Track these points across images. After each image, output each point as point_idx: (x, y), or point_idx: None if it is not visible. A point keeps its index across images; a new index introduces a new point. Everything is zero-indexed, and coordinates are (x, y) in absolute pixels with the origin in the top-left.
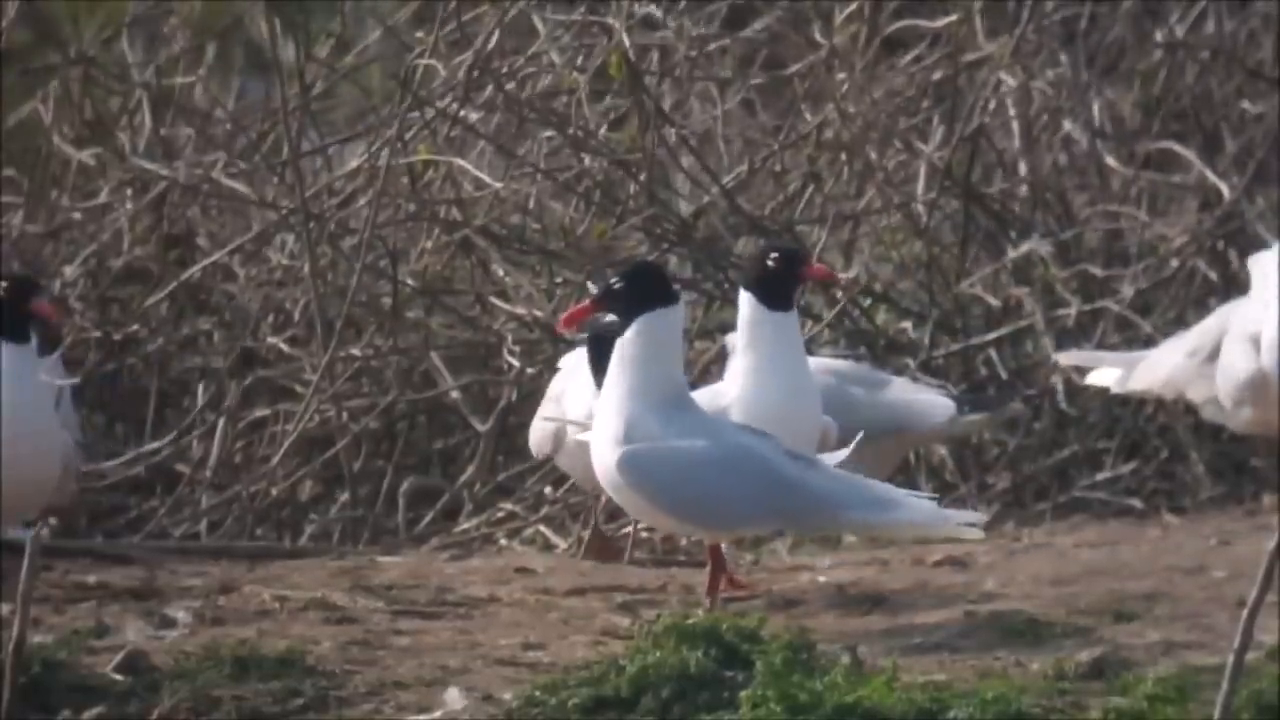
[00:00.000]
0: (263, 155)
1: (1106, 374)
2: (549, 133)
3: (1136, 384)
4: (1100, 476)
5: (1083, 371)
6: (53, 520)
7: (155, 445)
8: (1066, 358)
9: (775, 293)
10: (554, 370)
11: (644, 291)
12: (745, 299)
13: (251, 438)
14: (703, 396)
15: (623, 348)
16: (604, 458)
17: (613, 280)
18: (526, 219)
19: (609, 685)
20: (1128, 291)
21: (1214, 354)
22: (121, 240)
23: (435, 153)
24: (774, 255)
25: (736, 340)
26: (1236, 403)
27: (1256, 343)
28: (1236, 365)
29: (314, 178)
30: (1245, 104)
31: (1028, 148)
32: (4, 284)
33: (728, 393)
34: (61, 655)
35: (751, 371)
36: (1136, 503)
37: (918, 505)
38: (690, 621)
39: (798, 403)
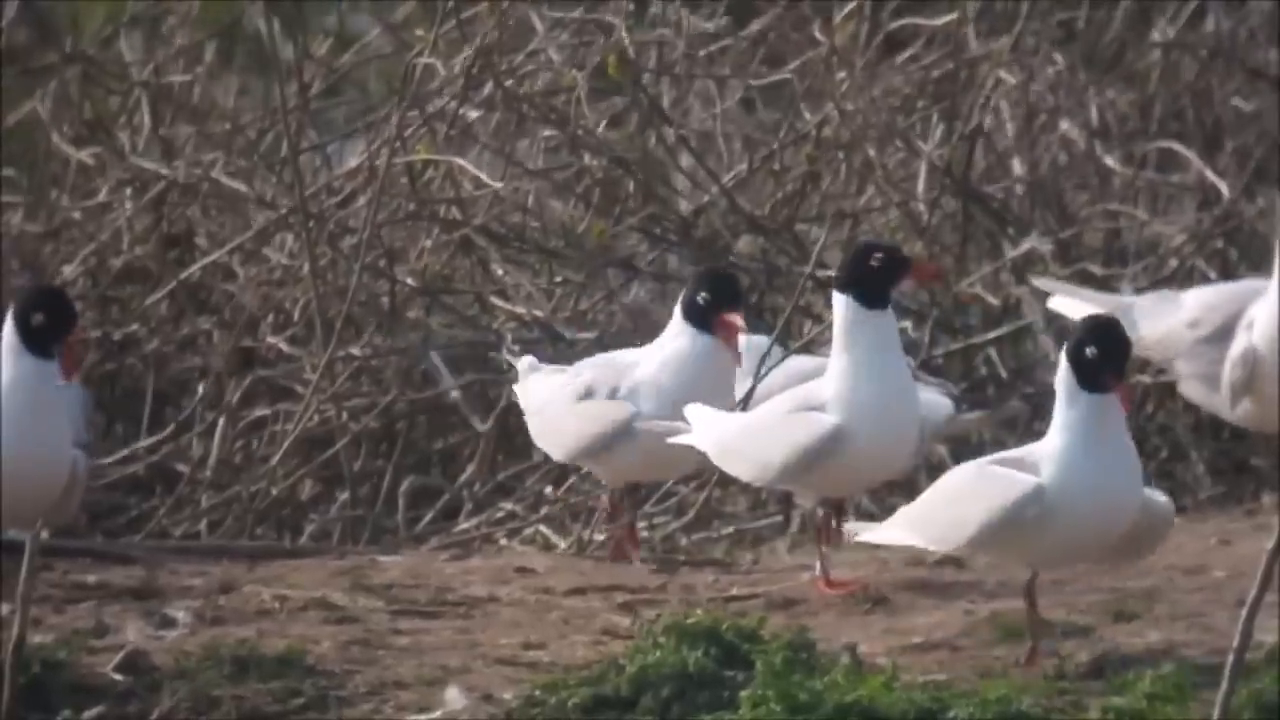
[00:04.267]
0: (262, 154)
1: (1081, 309)
2: (548, 131)
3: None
4: None
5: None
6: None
7: (152, 440)
8: (1042, 284)
9: (873, 292)
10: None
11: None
12: (840, 300)
13: (251, 437)
14: (797, 395)
15: None
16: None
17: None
18: (526, 218)
19: (609, 685)
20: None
21: (1215, 335)
22: (121, 240)
23: (435, 152)
24: (877, 255)
25: (833, 340)
26: (1233, 387)
27: (1251, 323)
28: (1233, 346)
29: (313, 177)
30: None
31: (1027, 146)
32: (43, 309)
33: (822, 393)
34: (61, 655)
35: (849, 371)
36: None
37: None
38: (690, 621)
39: (896, 402)
